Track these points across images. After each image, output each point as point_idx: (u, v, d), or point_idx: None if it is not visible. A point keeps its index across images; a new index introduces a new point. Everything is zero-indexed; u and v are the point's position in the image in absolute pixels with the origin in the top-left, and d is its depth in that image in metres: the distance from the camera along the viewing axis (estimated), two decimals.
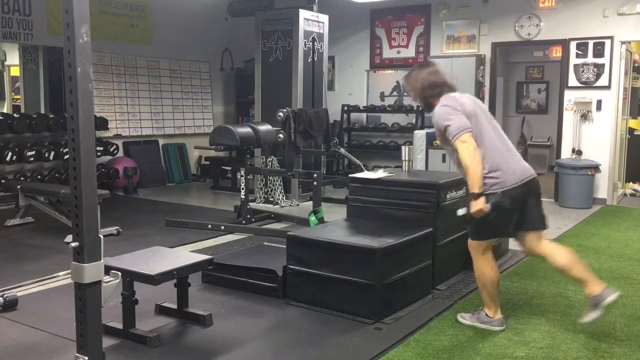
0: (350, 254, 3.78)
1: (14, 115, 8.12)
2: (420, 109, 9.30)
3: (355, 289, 3.73)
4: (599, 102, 7.98)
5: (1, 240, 5.71)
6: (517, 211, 3.48)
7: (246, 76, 10.24)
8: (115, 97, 9.06)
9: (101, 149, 8.25)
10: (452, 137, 3.38)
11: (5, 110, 9.51)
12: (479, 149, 3.39)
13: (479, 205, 3.32)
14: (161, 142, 9.76)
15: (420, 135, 8.59)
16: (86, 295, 2.58)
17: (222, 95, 10.97)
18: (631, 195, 8.78)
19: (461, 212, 3.44)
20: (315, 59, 8.19)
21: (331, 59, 9.73)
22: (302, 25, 7.92)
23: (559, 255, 3.54)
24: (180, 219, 6.50)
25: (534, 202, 3.53)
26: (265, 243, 5.26)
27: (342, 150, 7.40)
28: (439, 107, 3.53)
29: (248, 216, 6.43)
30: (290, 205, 7.76)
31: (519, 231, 3.59)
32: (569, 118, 8.22)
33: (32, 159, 7.57)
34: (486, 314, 3.62)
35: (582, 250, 5.51)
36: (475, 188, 3.32)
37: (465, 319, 3.69)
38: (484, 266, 3.59)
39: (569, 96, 8.21)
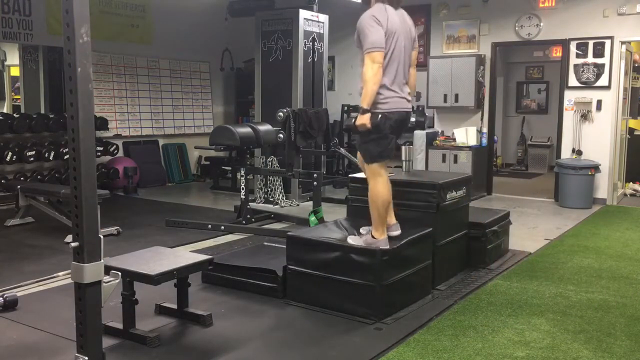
0: (350, 254, 3.78)
1: (14, 115, 8.12)
2: (420, 108, 9.31)
3: (355, 289, 3.73)
4: (599, 102, 7.99)
5: (1, 240, 5.71)
6: (393, 136, 3.81)
7: (246, 76, 10.24)
8: (115, 97, 9.06)
9: (101, 149, 8.25)
10: (365, 49, 3.62)
11: (5, 110, 9.50)
12: (384, 63, 3.63)
13: (364, 119, 3.66)
14: (161, 142, 9.76)
15: (420, 135, 8.59)
16: (86, 295, 2.58)
17: (222, 95, 10.97)
18: (631, 195, 8.78)
19: (348, 121, 3.73)
20: (315, 59, 8.19)
21: (331, 59, 9.73)
22: (302, 25, 7.92)
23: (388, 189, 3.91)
24: (180, 219, 6.49)
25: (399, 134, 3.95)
26: (265, 243, 5.25)
27: (342, 150, 7.40)
28: (367, 13, 3.71)
29: (248, 216, 6.43)
30: (290, 205, 7.76)
31: (386, 156, 3.88)
32: (569, 118, 8.22)
33: (32, 159, 7.57)
34: (372, 236, 3.81)
35: (582, 250, 5.52)
36: (365, 103, 3.64)
37: (354, 241, 3.86)
38: (380, 186, 3.81)
39: (569, 96, 8.21)
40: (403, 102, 3.82)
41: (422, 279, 4.14)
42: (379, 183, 3.81)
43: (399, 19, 3.77)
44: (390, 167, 7.31)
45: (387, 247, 3.75)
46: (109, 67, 8.96)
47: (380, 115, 3.71)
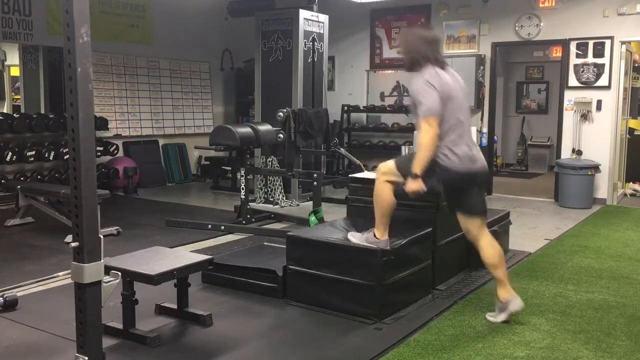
0: (351, 254, 3.78)
1: (14, 115, 8.12)
2: None
3: (355, 289, 3.73)
4: (599, 102, 7.99)
5: (1, 240, 5.71)
6: (455, 194, 3.71)
7: (246, 76, 10.24)
8: (115, 97, 9.06)
9: (101, 149, 8.25)
10: (420, 115, 3.55)
11: (5, 110, 9.50)
12: (444, 126, 3.57)
13: (416, 186, 3.56)
14: (161, 142, 9.76)
15: None
16: (86, 295, 2.58)
17: (222, 95, 10.97)
18: (631, 195, 8.78)
19: (399, 189, 3.69)
20: (315, 59, 8.19)
21: (331, 59, 9.73)
22: (302, 25, 7.92)
23: (492, 251, 3.74)
24: (180, 219, 6.50)
25: (476, 190, 3.77)
26: (265, 243, 5.25)
27: (342, 150, 7.40)
28: (420, 79, 3.64)
29: (248, 216, 6.43)
30: (290, 205, 7.76)
31: (457, 211, 3.81)
32: (569, 118, 8.22)
33: (32, 159, 7.57)
34: (374, 235, 3.79)
35: (582, 251, 5.52)
36: (417, 169, 3.53)
37: (354, 238, 3.84)
38: (385, 192, 3.78)
39: (569, 96, 8.21)
40: (471, 163, 3.64)
41: (422, 279, 4.13)
42: (385, 190, 3.78)
43: (450, 78, 3.71)
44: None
45: (388, 248, 3.74)
46: (109, 67, 8.96)
47: (435, 179, 3.61)
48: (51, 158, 7.71)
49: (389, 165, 3.82)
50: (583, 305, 4.04)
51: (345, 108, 9.90)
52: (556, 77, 9.51)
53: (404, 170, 3.70)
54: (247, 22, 8.88)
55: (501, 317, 3.69)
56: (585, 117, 8.07)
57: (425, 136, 3.51)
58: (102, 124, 8.36)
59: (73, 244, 2.57)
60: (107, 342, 3.05)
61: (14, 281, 4.34)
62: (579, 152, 8.11)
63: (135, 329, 3.37)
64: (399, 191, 3.71)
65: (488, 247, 3.75)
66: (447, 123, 3.60)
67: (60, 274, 4.52)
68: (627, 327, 3.64)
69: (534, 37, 8.40)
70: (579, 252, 5.48)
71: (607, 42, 7.86)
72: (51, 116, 8.00)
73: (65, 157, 7.65)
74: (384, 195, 3.78)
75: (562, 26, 8.16)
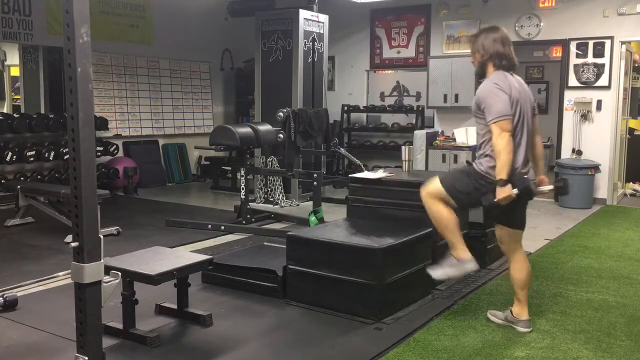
0: (351, 254, 3.78)
1: (14, 115, 8.13)
2: (420, 108, 9.32)
3: (355, 289, 3.73)
4: (599, 102, 7.99)
5: (1, 240, 5.71)
6: (497, 206, 3.50)
7: (246, 76, 10.24)
8: (115, 97, 9.06)
9: (101, 149, 8.25)
10: (491, 119, 3.38)
11: (5, 110, 9.51)
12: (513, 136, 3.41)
13: (506, 192, 3.34)
14: (161, 142, 9.77)
15: (420, 135, 8.58)
16: (86, 295, 2.58)
17: (222, 95, 10.97)
18: (631, 195, 8.78)
19: (485, 202, 3.46)
20: (315, 59, 8.19)
21: (331, 59, 9.73)
22: (302, 25, 7.92)
23: (523, 265, 3.67)
24: (180, 219, 6.50)
25: (521, 205, 3.65)
26: (265, 243, 5.25)
27: (342, 150, 7.39)
28: (488, 82, 3.50)
29: (248, 216, 6.43)
30: (290, 205, 7.76)
31: (496, 221, 3.69)
32: (569, 118, 8.22)
33: (32, 159, 7.57)
34: (454, 257, 3.59)
35: (582, 251, 5.52)
36: (503, 175, 3.33)
37: (437, 272, 3.65)
38: (441, 210, 3.57)
39: (569, 96, 8.21)
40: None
41: (422, 279, 4.13)
42: (439, 208, 3.58)
43: (519, 86, 3.54)
44: (390, 167, 7.33)
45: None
46: (109, 67, 8.96)
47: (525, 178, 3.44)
48: (51, 158, 7.72)
49: (435, 186, 3.61)
50: (583, 305, 4.04)
51: (345, 108, 9.90)
52: (556, 77, 9.52)
53: (453, 190, 3.54)
54: (247, 22, 8.88)
55: (502, 323, 3.68)
56: (585, 117, 8.07)
57: (500, 141, 3.32)
58: (102, 124, 8.36)
59: (73, 244, 2.57)
60: (107, 342, 3.05)
61: (14, 281, 4.34)
62: (579, 152, 8.11)
63: (135, 329, 3.37)
64: (488, 204, 3.49)
65: (519, 261, 3.67)
66: (516, 129, 3.44)
67: (60, 274, 4.52)
68: (627, 327, 3.64)
69: (534, 37, 8.41)
70: (579, 252, 5.48)
71: (607, 42, 7.86)
72: (51, 116, 8.00)
73: (65, 157, 7.65)
74: (440, 214, 3.58)
75: (562, 26, 8.16)
